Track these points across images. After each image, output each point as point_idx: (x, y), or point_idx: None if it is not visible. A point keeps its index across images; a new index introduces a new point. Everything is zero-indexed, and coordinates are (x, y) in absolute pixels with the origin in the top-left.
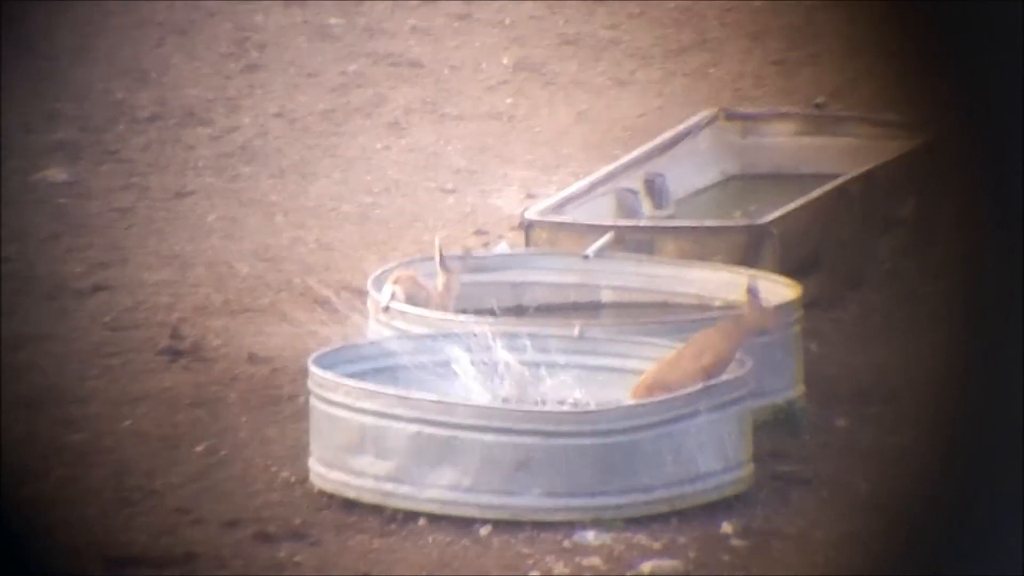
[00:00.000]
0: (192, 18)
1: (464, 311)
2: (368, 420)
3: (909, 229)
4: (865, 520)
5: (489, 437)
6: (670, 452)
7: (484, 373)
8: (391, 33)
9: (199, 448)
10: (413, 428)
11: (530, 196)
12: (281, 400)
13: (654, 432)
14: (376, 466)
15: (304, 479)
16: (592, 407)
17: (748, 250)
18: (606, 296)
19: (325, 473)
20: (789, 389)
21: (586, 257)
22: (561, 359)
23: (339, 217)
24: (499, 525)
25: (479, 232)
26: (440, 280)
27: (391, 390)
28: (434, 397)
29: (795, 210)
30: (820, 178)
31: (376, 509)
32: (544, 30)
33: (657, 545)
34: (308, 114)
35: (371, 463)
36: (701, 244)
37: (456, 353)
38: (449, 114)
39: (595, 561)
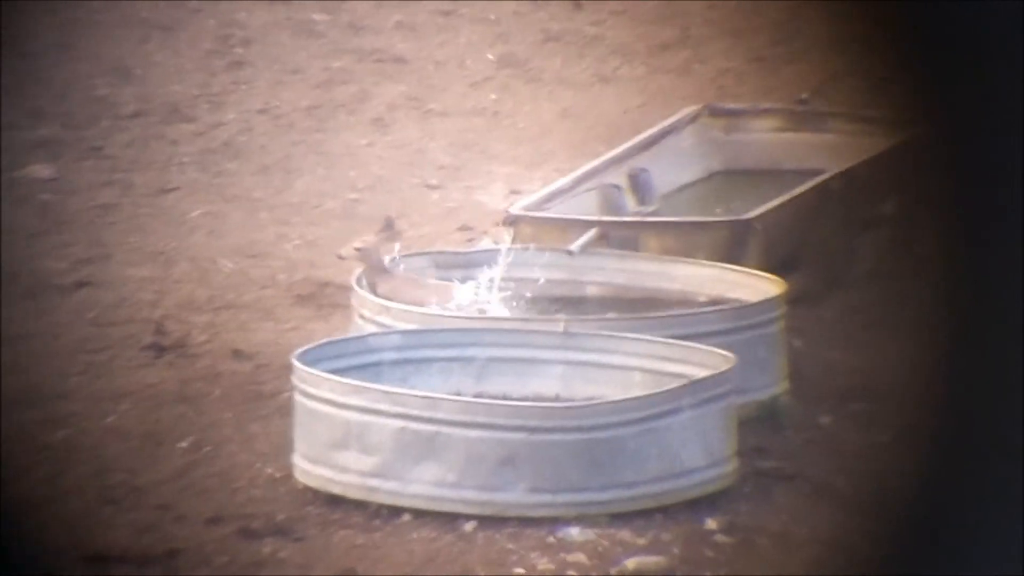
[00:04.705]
0: (176, 15)
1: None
2: (352, 416)
3: (892, 226)
4: (848, 517)
5: (474, 433)
6: (655, 448)
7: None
8: (375, 29)
9: (182, 444)
10: (398, 424)
11: (514, 192)
12: (265, 396)
13: (639, 428)
14: (360, 462)
15: (288, 475)
16: (577, 402)
17: (732, 246)
18: (591, 292)
19: (309, 469)
20: (773, 386)
21: (571, 253)
22: (546, 355)
23: (323, 213)
24: (483, 521)
25: (463, 228)
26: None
27: (375, 386)
28: (419, 393)
29: (779, 206)
30: (803, 174)
31: (360, 505)
32: (528, 26)
33: (642, 541)
34: (292, 110)
35: (355, 459)
36: (685, 240)
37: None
38: (433, 110)
39: (579, 557)
